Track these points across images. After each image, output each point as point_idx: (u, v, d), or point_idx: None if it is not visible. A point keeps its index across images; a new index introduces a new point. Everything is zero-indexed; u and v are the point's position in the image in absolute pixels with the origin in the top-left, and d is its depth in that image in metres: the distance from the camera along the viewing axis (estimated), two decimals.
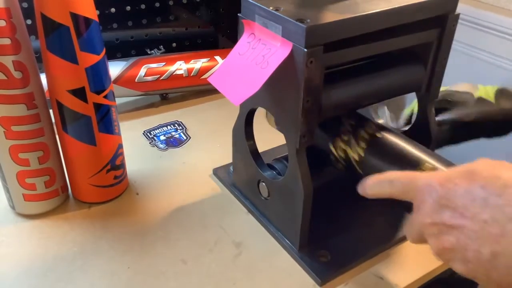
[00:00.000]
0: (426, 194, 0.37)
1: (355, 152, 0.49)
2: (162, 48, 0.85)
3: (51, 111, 0.52)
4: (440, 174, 0.37)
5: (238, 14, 0.47)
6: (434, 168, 0.45)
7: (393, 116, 0.66)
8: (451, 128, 0.62)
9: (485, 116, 0.62)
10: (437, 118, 0.60)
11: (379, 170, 0.44)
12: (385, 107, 0.65)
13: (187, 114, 0.77)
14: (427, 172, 0.39)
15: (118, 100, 0.63)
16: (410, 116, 0.65)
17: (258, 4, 0.44)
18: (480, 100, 0.62)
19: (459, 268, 0.36)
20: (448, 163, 0.45)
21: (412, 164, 0.46)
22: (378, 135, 0.49)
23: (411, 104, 0.65)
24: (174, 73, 0.76)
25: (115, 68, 0.73)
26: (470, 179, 0.34)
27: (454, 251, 0.35)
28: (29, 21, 0.66)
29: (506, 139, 0.63)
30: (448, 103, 0.63)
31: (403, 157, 0.47)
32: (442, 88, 0.56)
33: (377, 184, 0.41)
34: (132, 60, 0.75)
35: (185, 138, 0.71)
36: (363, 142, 0.49)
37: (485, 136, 0.64)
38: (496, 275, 0.34)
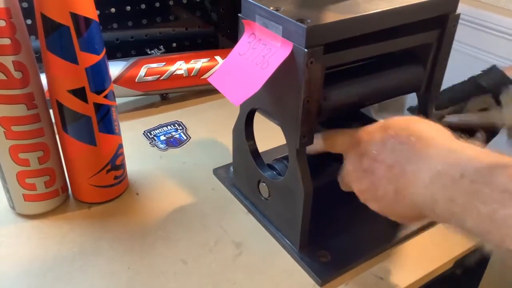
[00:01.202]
0: (350, 147, 0.44)
1: None
2: (162, 48, 0.85)
3: (51, 111, 0.52)
4: (362, 129, 0.44)
5: (238, 14, 0.47)
6: None
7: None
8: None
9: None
10: (447, 119, 0.60)
11: None
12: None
13: (187, 114, 0.77)
14: (354, 129, 0.45)
15: (118, 100, 0.63)
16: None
17: (259, 4, 0.44)
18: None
19: (374, 206, 0.43)
20: None
21: None
22: None
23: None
24: (174, 73, 0.76)
25: (115, 68, 0.73)
26: (384, 131, 0.41)
27: (369, 192, 0.42)
28: (29, 21, 0.66)
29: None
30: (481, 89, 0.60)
31: None
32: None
33: (317, 142, 0.47)
34: (132, 60, 0.75)
35: (185, 138, 0.71)
36: None
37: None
38: (400, 209, 0.40)
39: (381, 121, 0.43)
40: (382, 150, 0.41)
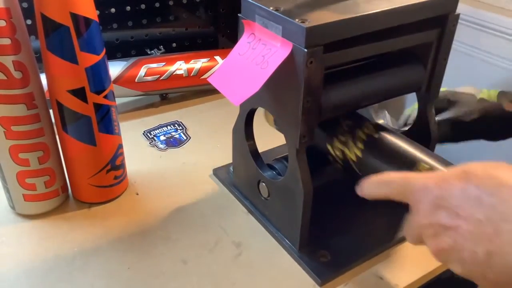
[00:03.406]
0: (422, 195, 0.37)
1: (352, 153, 0.49)
2: (162, 48, 0.85)
3: (51, 111, 0.52)
4: (435, 175, 0.37)
5: (238, 14, 0.47)
6: (430, 168, 0.45)
7: (393, 119, 0.66)
8: (451, 127, 0.62)
9: (486, 116, 0.61)
10: (436, 118, 0.60)
11: (376, 170, 0.44)
12: (385, 110, 0.65)
13: (187, 114, 0.77)
14: (423, 173, 0.39)
15: (118, 100, 0.63)
16: (409, 117, 0.65)
17: (258, 4, 0.44)
18: (482, 100, 0.62)
19: (456, 268, 0.36)
20: (445, 163, 0.45)
21: (409, 164, 0.46)
22: (375, 135, 0.49)
23: (412, 105, 0.65)
24: (174, 73, 0.76)
25: (115, 68, 0.73)
26: (465, 179, 0.34)
27: (450, 252, 0.35)
28: (29, 21, 0.66)
29: (508, 142, 0.63)
30: (449, 102, 0.63)
31: (400, 157, 0.47)
32: (443, 89, 0.56)
33: (374, 186, 0.41)
34: (132, 60, 0.75)
35: (185, 138, 0.71)
36: (360, 142, 0.49)
37: (484, 137, 0.64)
38: (492, 275, 0.34)
39: (457, 167, 0.36)
40: (466, 203, 0.34)
